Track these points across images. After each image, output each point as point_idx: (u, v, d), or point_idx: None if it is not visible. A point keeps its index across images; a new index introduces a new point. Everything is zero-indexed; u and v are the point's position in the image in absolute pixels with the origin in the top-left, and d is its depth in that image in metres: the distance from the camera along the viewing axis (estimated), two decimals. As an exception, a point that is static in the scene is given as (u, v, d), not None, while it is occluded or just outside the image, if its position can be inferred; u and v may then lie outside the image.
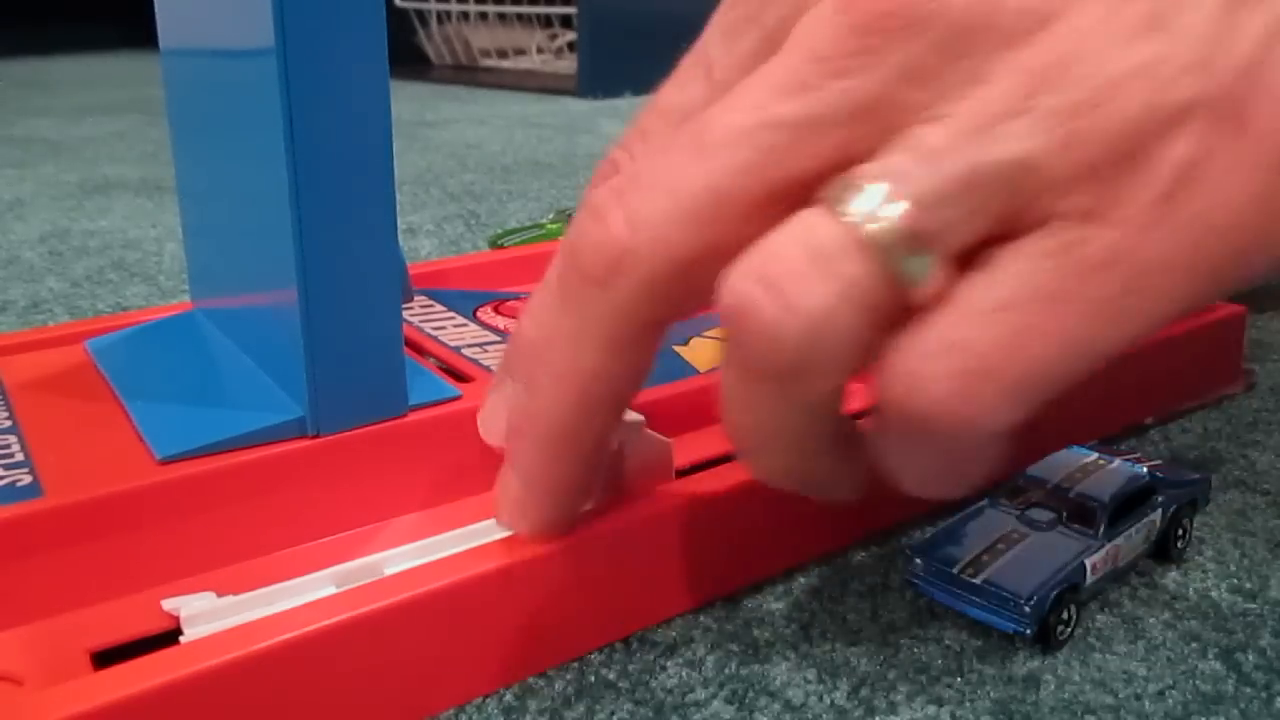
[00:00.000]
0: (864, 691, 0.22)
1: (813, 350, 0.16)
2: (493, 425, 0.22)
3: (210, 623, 0.20)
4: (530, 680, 0.22)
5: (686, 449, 0.28)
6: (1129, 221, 0.15)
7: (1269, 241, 0.15)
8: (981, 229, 0.15)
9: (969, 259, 0.16)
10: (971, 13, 0.15)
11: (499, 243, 0.49)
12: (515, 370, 0.21)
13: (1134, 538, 0.25)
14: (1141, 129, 0.15)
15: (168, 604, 0.21)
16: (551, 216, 0.53)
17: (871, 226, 0.15)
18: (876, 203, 0.15)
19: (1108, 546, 0.24)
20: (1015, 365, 0.15)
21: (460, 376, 0.27)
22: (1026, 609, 0.22)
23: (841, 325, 0.15)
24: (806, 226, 0.16)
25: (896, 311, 0.16)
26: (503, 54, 1.61)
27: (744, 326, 0.16)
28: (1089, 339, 0.16)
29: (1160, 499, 0.26)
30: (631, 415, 0.24)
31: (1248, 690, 0.22)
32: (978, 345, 0.15)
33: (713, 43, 0.19)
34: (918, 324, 0.16)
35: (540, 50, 1.58)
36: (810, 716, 0.21)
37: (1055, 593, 0.23)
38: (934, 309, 0.16)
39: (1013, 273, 0.15)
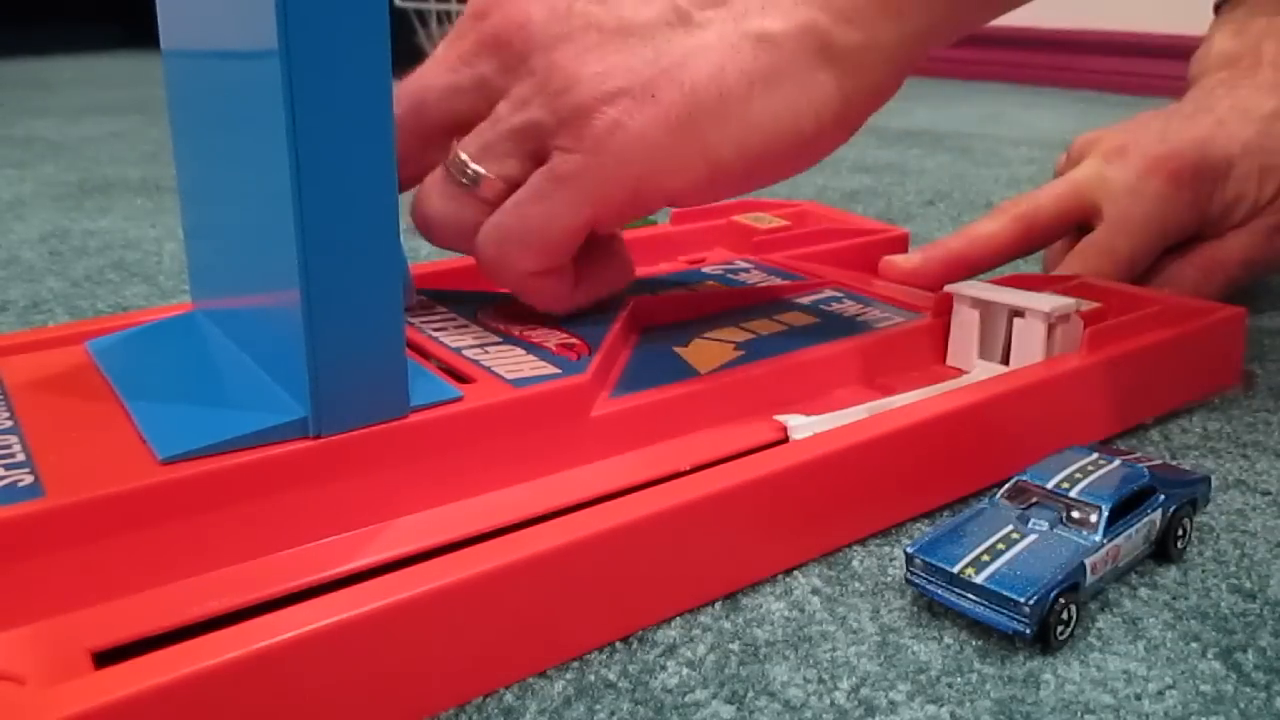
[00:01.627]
0: (864, 691, 0.22)
1: (443, 229, 0.30)
2: None
3: (810, 430, 0.28)
4: (530, 680, 0.22)
5: (687, 449, 0.28)
6: (585, 151, 0.28)
7: (666, 171, 0.28)
8: (519, 158, 0.29)
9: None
10: (525, 37, 0.28)
11: None
12: None
13: (1134, 538, 0.25)
14: (594, 101, 0.27)
15: (779, 417, 0.30)
16: None
17: (454, 167, 0.29)
18: (462, 154, 0.29)
19: (1108, 546, 0.24)
20: (522, 234, 0.29)
21: (462, 378, 0.27)
22: (1026, 609, 0.22)
23: (452, 217, 0.30)
24: (437, 172, 0.30)
25: (486, 207, 0.30)
26: (503, 54, 1.61)
27: (417, 221, 0.31)
28: (564, 217, 0.28)
29: (1160, 499, 0.26)
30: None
31: (1248, 690, 0.22)
32: (505, 226, 0.29)
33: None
34: (489, 216, 0.29)
35: (540, 50, 1.57)
36: (810, 716, 0.21)
37: (1055, 593, 0.23)
38: (494, 209, 0.29)
39: (527, 185, 0.29)
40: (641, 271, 0.41)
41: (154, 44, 0.28)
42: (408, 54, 1.72)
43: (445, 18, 1.62)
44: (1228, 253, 0.43)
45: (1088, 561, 0.24)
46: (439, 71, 0.30)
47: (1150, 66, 1.35)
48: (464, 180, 0.29)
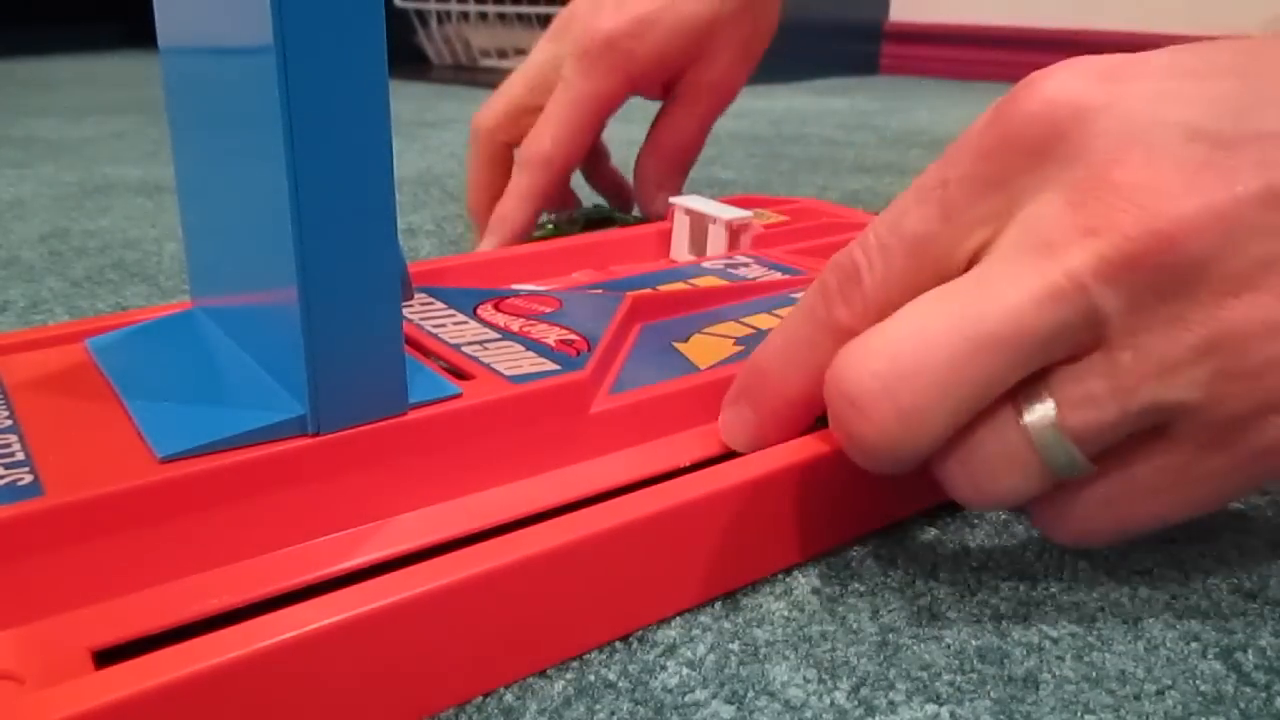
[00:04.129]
0: (864, 691, 0.22)
1: (997, 505, 0.23)
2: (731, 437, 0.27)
3: None
4: (530, 680, 0.22)
5: (687, 445, 0.28)
6: (1232, 458, 0.20)
7: None
8: (1128, 434, 0.21)
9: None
10: (1201, 260, 0.19)
11: None
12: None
13: None
14: (1270, 406, 0.19)
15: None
16: (554, 216, 0.53)
17: (1043, 436, 0.21)
18: (1050, 417, 0.21)
19: None
20: (1140, 521, 0.22)
21: (461, 374, 0.27)
22: None
23: (1017, 498, 0.22)
24: (999, 429, 0.21)
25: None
26: (503, 54, 1.61)
27: (955, 494, 0.23)
28: (1177, 514, 0.22)
29: None
30: None
31: (1248, 690, 0.22)
32: (1120, 509, 0.22)
33: (956, 186, 0.23)
34: (1074, 487, 0.22)
35: (540, 50, 1.57)
36: (810, 716, 0.21)
37: None
38: (1082, 482, 0.22)
39: (1148, 468, 0.21)
40: (640, 269, 0.41)
41: (154, 44, 0.28)
42: (407, 54, 1.72)
43: (445, 18, 1.62)
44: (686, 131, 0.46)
45: None
46: (1022, 307, 0.20)
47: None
48: (1060, 463, 0.21)
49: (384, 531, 0.24)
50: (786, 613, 0.24)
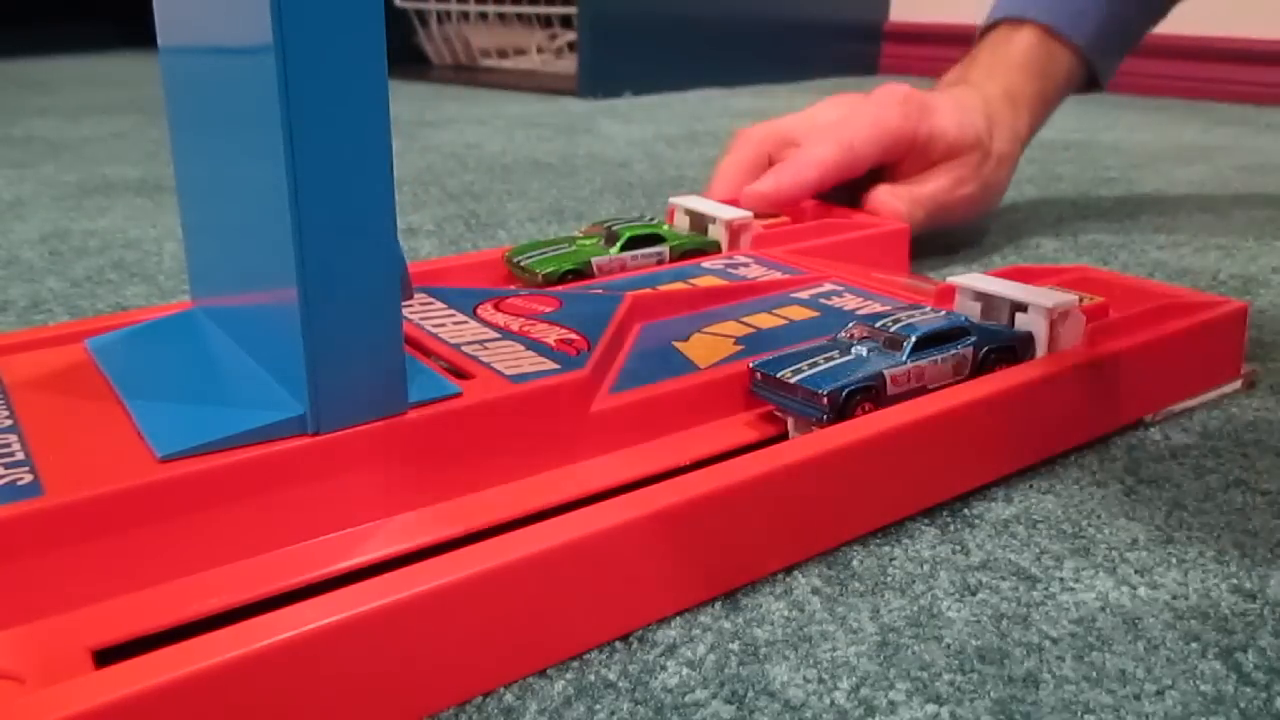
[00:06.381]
0: (864, 691, 0.22)
1: None
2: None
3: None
4: (530, 680, 0.22)
5: (687, 445, 0.28)
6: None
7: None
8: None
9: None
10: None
11: (519, 260, 0.40)
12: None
13: (941, 365, 0.30)
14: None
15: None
16: (584, 228, 0.44)
17: None
18: None
19: (910, 366, 0.29)
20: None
21: (461, 374, 0.27)
22: (825, 401, 0.28)
23: None
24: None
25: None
26: (503, 54, 1.61)
27: None
28: None
29: (972, 339, 0.31)
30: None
31: (1248, 690, 0.22)
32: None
33: None
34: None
35: (540, 50, 1.58)
36: (810, 716, 0.21)
37: (851, 390, 0.28)
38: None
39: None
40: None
41: (154, 44, 0.28)
42: (407, 54, 1.72)
43: (445, 18, 1.62)
44: (922, 188, 0.52)
45: (888, 373, 0.29)
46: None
47: (1149, 67, 1.35)
48: None
49: (384, 531, 0.24)
50: (786, 613, 0.24)
